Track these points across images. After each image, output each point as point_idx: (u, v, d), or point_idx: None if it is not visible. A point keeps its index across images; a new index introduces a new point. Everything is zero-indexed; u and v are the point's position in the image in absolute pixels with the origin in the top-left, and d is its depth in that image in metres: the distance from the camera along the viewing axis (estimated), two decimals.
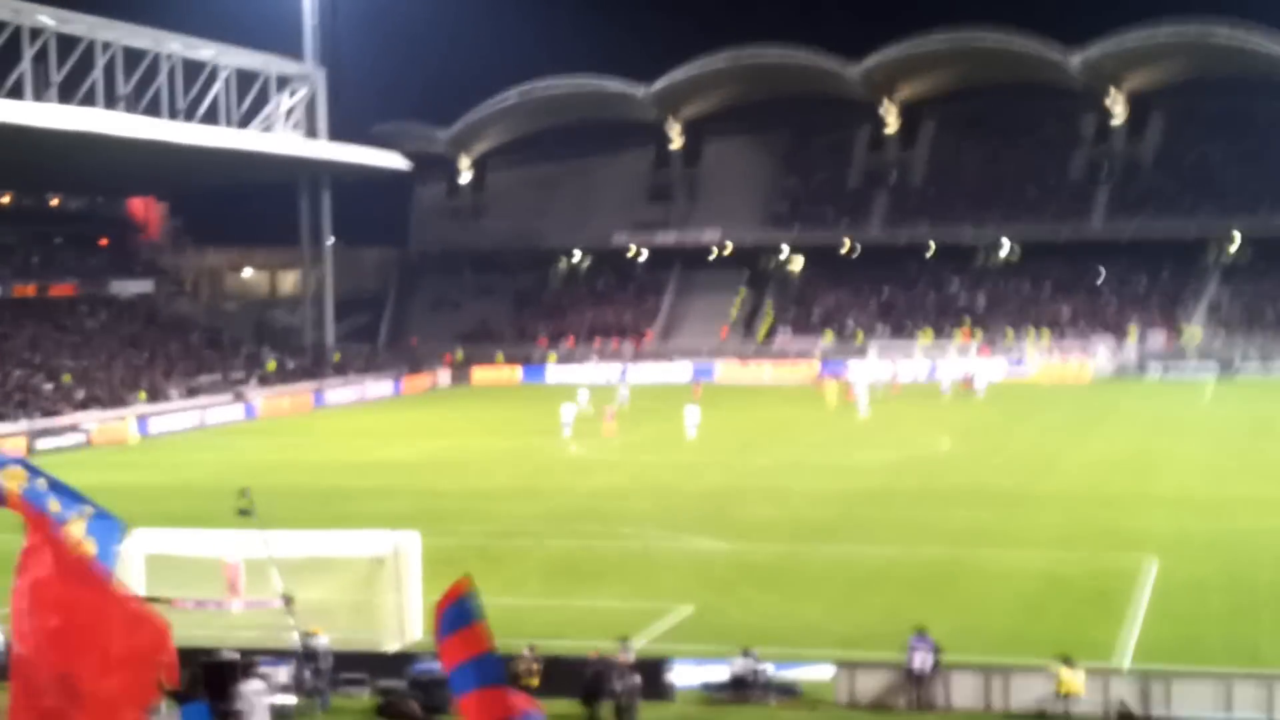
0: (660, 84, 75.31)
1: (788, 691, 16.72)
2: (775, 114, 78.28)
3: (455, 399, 60.89)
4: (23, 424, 44.70)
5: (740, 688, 16.57)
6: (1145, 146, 74.70)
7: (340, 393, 59.43)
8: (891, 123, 77.55)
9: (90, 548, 8.15)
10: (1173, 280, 69.81)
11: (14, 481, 8.19)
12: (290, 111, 60.36)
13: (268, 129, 58.85)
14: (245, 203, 76.02)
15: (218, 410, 52.36)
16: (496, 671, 7.86)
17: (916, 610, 18.61)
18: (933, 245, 73.22)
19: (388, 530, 19.60)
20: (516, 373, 67.56)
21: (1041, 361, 63.04)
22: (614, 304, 75.73)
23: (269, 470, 36.24)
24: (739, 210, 76.08)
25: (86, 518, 8.32)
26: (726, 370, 65.56)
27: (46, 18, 48.21)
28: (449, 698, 15.93)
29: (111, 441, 45.26)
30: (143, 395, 51.10)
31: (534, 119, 79.19)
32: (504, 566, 24.11)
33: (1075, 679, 15.58)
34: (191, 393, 53.90)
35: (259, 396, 55.51)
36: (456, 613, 7.79)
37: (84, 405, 48.59)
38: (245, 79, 57.64)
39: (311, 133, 61.51)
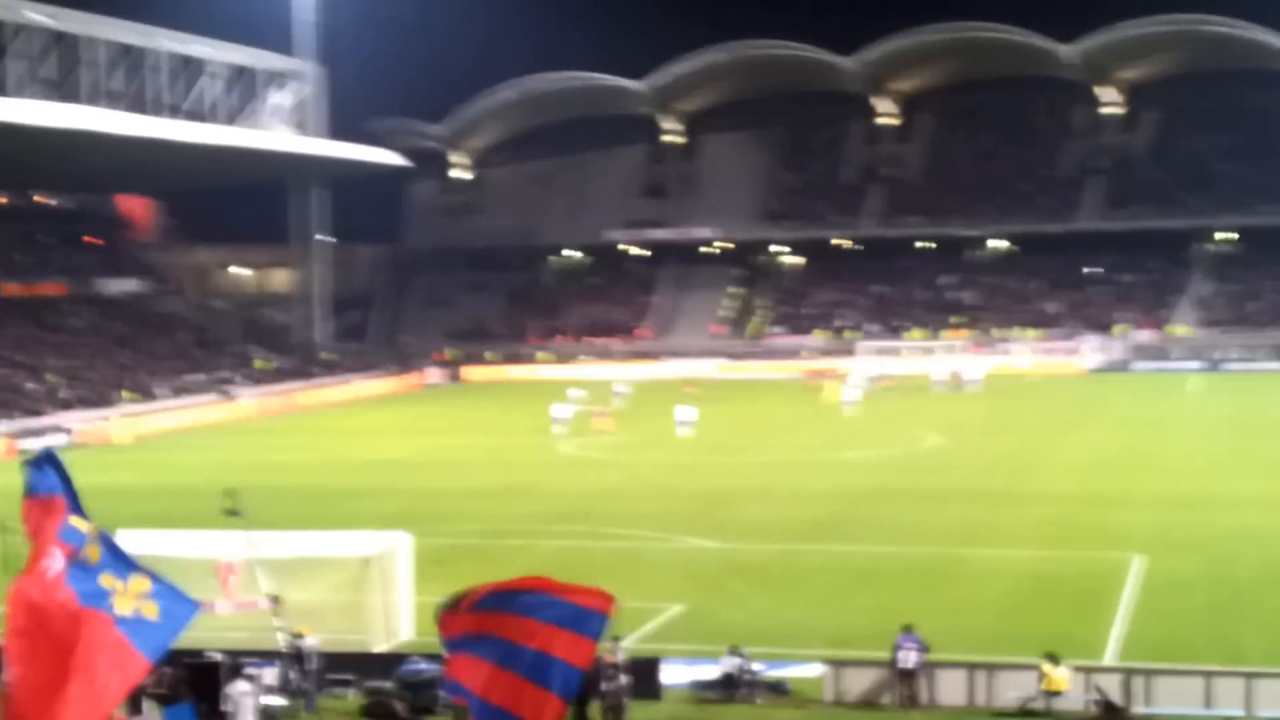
0: (655, 78, 75.29)
1: (777, 690, 16.78)
2: (771, 108, 78.40)
3: (447, 397, 60.83)
4: (5, 424, 44.50)
5: (729, 687, 16.62)
6: (1138, 140, 74.96)
7: (331, 392, 59.32)
8: (886, 116, 77.64)
9: (150, 609, 8.20)
10: (1161, 274, 70.10)
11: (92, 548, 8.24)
12: (282, 108, 60.16)
13: (259, 126, 58.66)
14: (236, 200, 75.83)
15: (206, 410, 52.23)
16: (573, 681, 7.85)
17: (905, 609, 18.68)
18: (927, 241, 73.39)
19: (377, 531, 19.59)
20: (509, 370, 67.53)
21: (1031, 357, 63.27)
22: (608, 301, 75.74)
23: (257, 470, 36.16)
24: (734, 206, 76.13)
25: (150, 583, 8.38)
26: (719, 367, 65.65)
27: (37, 14, 47.97)
28: (438, 698, 16.04)
29: (97, 441, 45.14)
30: (129, 395, 50.93)
31: (529, 114, 79.14)
32: (496, 566, 24.11)
33: (1061, 676, 15.67)
34: (179, 392, 53.75)
35: (248, 395, 55.38)
36: (585, 619, 7.80)
37: (69, 405, 48.42)
38: (237, 75, 57.47)
39: (304, 129, 61.32)
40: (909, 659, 16.06)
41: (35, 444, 43.49)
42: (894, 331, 68.25)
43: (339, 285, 70.49)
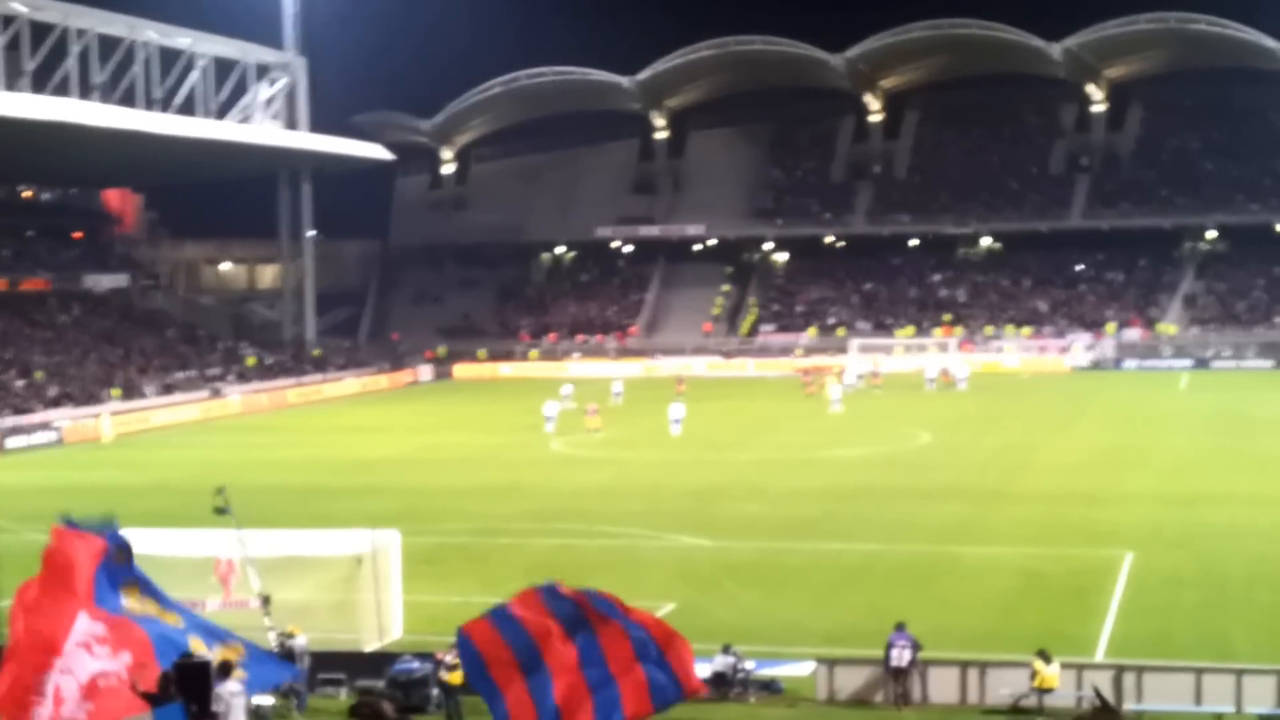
0: (645, 74, 75.20)
1: (769, 688, 16.76)
2: (760, 105, 78.41)
3: (437, 394, 60.69)
4: None
5: (722, 685, 16.59)
6: (1125, 138, 75.23)
7: (320, 389, 59.08)
8: (875, 113, 77.74)
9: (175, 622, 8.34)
10: (1150, 272, 70.36)
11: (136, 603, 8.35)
12: (269, 101, 59.82)
13: (246, 119, 58.32)
14: (223, 195, 75.46)
15: (194, 407, 51.94)
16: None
17: (897, 606, 18.69)
18: (916, 239, 73.52)
19: (367, 529, 19.49)
20: (499, 368, 67.38)
21: (1021, 355, 63.45)
22: (597, 298, 75.62)
23: (246, 468, 36.00)
24: (723, 203, 76.10)
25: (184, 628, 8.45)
26: (710, 365, 65.63)
27: (18, 4, 47.53)
28: (429, 697, 15.97)
29: (84, 439, 44.84)
30: (116, 392, 50.62)
31: (518, 109, 78.92)
32: (486, 565, 24.05)
33: (1051, 673, 15.69)
34: (167, 389, 53.45)
35: (237, 393, 55.12)
36: (667, 688, 7.80)
37: (56, 402, 48.11)
38: (223, 68, 57.06)
39: (291, 123, 60.99)
40: (901, 657, 16.06)
41: (23, 441, 43.26)
42: (884, 329, 68.34)
43: (326, 281, 70.20)
